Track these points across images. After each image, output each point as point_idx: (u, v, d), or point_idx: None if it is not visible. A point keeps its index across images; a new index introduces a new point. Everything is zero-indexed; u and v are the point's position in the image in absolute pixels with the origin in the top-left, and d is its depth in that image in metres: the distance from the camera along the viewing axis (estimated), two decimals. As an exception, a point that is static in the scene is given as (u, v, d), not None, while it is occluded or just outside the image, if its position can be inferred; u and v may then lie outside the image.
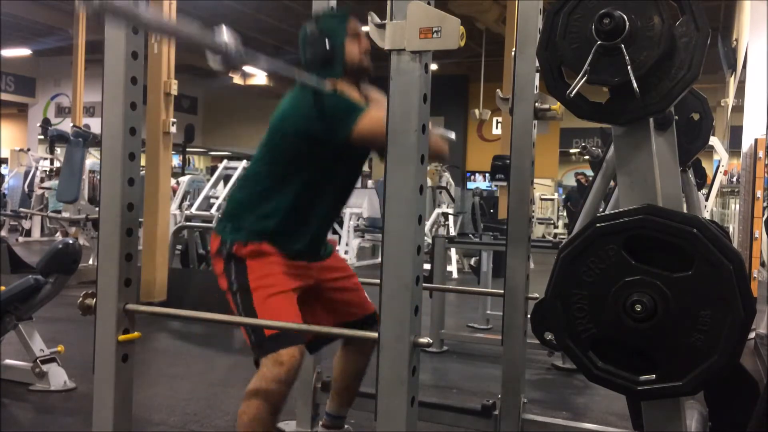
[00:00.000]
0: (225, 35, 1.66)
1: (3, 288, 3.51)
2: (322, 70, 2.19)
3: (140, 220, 2.15)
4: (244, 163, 7.47)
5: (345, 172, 2.28)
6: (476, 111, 15.07)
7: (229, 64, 1.68)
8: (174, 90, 5.81)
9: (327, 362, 2.69)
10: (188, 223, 6.78)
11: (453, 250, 8.76)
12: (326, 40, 2.18)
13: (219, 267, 2.18)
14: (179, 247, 7.18)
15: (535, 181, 2.88)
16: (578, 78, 1.59)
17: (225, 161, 8.16)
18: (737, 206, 6.93)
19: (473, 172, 18.94)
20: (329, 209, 2.29)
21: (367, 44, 2.23)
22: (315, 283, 2.26)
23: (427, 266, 5.14)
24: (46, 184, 11.37)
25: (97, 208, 3.87)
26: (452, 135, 2.41)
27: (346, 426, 2.56)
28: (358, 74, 2.26)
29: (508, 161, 2.59)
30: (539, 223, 14.45)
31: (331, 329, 2.14)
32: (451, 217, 9.97)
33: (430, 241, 5.63)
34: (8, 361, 3.63)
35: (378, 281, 1.60)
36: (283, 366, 1.98)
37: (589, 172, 10.72)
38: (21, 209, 11.54)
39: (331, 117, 2.08)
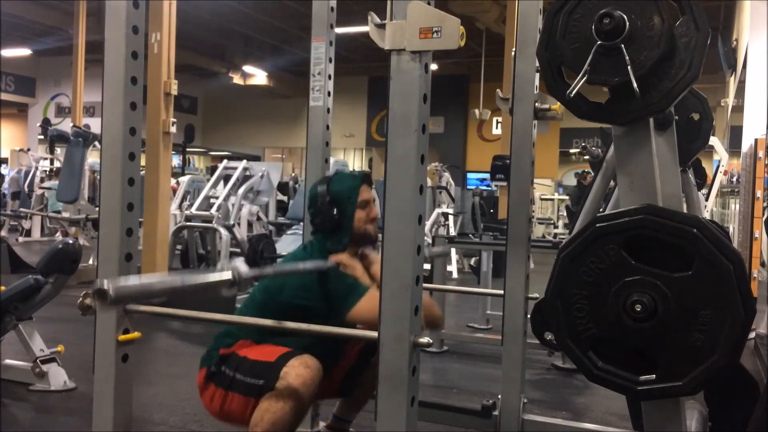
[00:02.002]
0: (238, 269, 1.77)
1: (3, 288, 3.51)
2: (328, 236, 2.26)
3: (140, 220, 2.15)
4: (244, 163, 7.47)
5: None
6: (476, 111, 15.07)
7: (241, 287, 1.80)
8: (174, 90, 5.81)
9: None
10: (188, 223, 6.78)
11: (453, 250, 8.76)
12: (335, 208, 2.24)
13: (210, 389, 2.17)
14: (179, 247, 7.18)
15: (535, 181, 2.88)
16: (578, 78, 1.58)
17: (225, 161, 8.15)
18: (737, 206, 6.93)
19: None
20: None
21: (375, 213, 2.29)
22: None
23: (427, 266, 5.15)
24: (46, 184, 11.38)
25: (97, 208, 3.87)
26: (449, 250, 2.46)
27: (351, 430, 2.55)
28: (363, 242, 2.31)
29: (508, 161, 2.59)
30: (539, 223, 14.44)
31: (332, 329, 2.14)
32: (451, 217, 9.97)
33: (430, 241, 5.63)
34: (8, 361, 3.63)
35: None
36: (309, 368, 2.03)
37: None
38: (21, 209, 11.54)
39: (332, 297, 2.13)
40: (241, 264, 1.78)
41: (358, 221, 2.26)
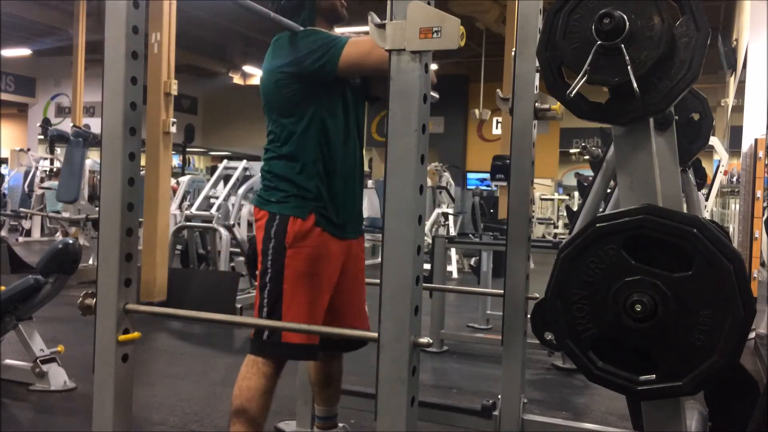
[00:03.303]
0: None
1: (3, 288, 3.51)
2: (295, 14, 2.20)
3: (140, 220, 2.15)
4: (244, 163, 7.47)
5: (353, 113, 2.28)
6: (476, 111, 15.07)
7: None
8: (174, 90, 5.81)
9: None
10: (188, 223, 6.78)
11: (453, 250, 8.76)
12: None
13: (260, 234, 2.20)
14: (179, 247, 7.18)
15: (535, 181, 2.88)
16: (578, 78, 1.58)
17: (225, 161, 8.15)
18: (737, 206, 6.93)
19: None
20: (352, 155, 2.29)
21: None
22: (341, 275, 2.28)
23: (427, 266, 5.15)
24: (46, 184, 11.38)
25: (97, 208, 3.87)
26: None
27: (341, 425, 2.56)
28: (333, 19, 2.28)
29: (508, 161, 2.59)
30: (539, 223, 14.45)
31: (332, 329, 2.14)
32: (451, 217, 9.97)
33: (430, 241, 5.64)
34: (8, 361, 3.63)
35: (378, 281, 1.60)
36: (272, 378, 2.14)
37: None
38: (21, 209, 11.53)
39: (315, 50, 2.09)
40: None
41: None
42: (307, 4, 2.21)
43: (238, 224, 7.17)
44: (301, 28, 2.19)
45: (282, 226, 2.15)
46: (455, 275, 8.97)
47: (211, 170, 14.57)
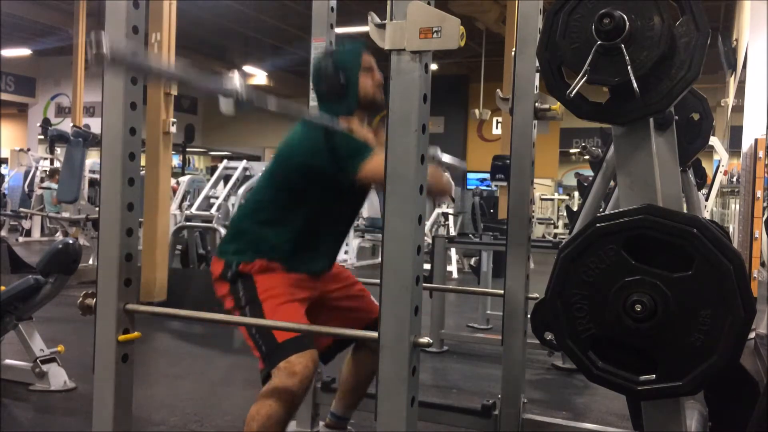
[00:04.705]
0: (236, 81, 1.67)
1: (3, 288, 3.51)
2: (335, 104, 2.22)
3: (140, 220, 2.15)
4: (244, 163, 7.47)
5: (349, 202, 2.30)
6: (476, 111, 15.08)
7: (241, 107, 1.69)
8: (174, 90, 5.81)
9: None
10: (188, 223, 6.79)
11: (453, 250, 8.76)
12: (340, 74, 2.21)
13: (223, 289, 2.19)
14: (179, 247, 7.18)
15: (535, 181, 2.88)
16: (578, 78, 1.59)
17: (225, 161, 8.15)
18: (737, 206, 6.92)
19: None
20: (335, 235, 2.32)
21: (380, 78, 2.26)
22: (320, 294, 2.28)
23: (427, 266, 5.15)
24: (45, 184, 11.38)
25: (97, 208, 3.87)
26: (464, 164, 2.41)
27: (349, 428, 2.56)
28: (371, 108, 2.28)
29: (508, 161, 2.59)
30: (539, 223, 14.46)
31: (332, 329, 2.14)
32: (451, 217, 9.97)
33: (430, 241, 5.63)
34: (8, 361, 3.62)
35: (378, 281, 1.60)
36: (296, 376, 1.98)
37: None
38: (21, 209, 11.54)
39: (340, 156, 2.10)
40: (239, 79, 1.67)
41: (363, 86, 2.23)
42: (351, 94, 2.23)
43: (238, 224, 7.16)
44: (329, 122, 2.17)
45: (245, 265, 2.15)
46: (455, 275, 8.97)
47: (211, 170, 14.58)
